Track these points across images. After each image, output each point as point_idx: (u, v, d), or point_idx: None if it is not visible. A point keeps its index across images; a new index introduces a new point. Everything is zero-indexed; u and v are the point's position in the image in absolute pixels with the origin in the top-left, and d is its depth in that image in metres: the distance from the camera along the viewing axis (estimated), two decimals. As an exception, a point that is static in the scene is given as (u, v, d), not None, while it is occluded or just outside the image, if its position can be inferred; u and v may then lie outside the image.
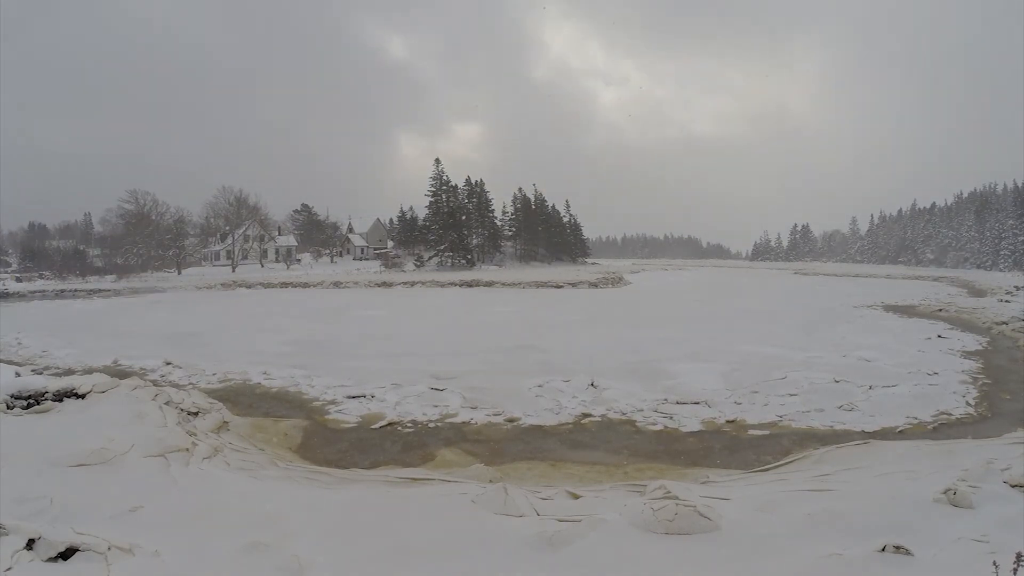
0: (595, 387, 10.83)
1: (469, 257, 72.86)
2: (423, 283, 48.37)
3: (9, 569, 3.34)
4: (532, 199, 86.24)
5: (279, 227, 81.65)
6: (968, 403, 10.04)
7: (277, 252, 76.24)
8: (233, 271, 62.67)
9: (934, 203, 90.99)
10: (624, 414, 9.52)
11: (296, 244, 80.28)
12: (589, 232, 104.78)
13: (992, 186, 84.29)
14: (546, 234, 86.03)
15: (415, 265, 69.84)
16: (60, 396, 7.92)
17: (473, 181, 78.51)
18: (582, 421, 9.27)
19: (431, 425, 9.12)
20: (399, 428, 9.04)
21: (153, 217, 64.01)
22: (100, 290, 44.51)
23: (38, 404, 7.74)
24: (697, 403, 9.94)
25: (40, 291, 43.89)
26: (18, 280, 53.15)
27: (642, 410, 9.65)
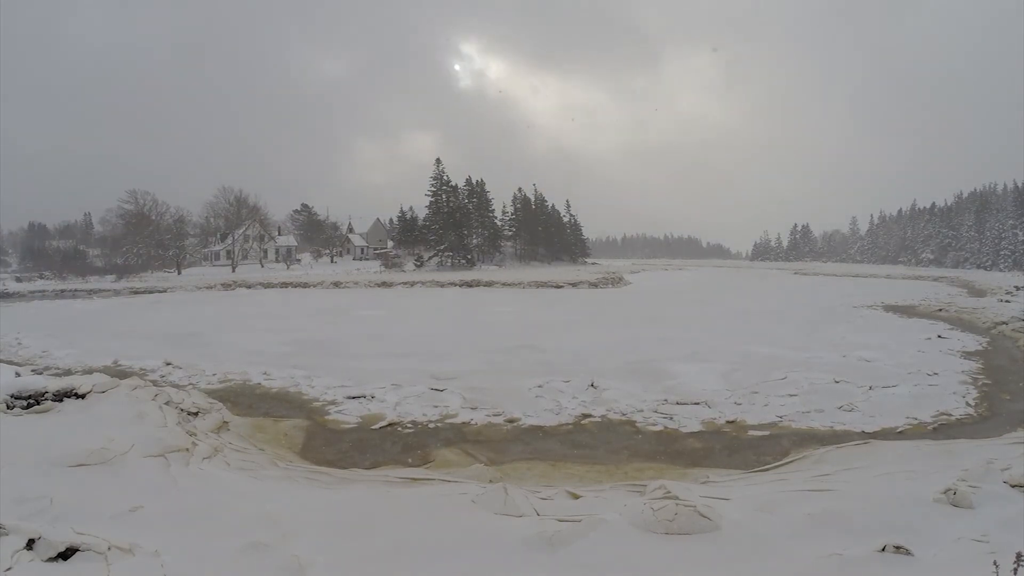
0: (595, 387, 10.83)
1: (469, 257, 72.87)
2: (423, 283, 48.37)
3: (9, 569, 3.34)
4: (532, 199, 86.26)
5: (279, 227, 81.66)
6: (968, 403, 10.04)
7: (277, 252, 76.24)
8: (233, 271, 62.63)
9: (934, 203, 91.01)
10: (624, 414, 9.52)
11: (296, 244, 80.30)
12: (589, 232, 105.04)
13: (992, 186, 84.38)
14: (546, 234, 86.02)
15: (415, 265, 69.85)
16: (60, 396, 7.92)
17: (474, 181, 78.54)
18: (582, 421, 9.27)
19: (431, 425, 9.12)
20: (399, 428, 9.03)
21: (153, 217, 63.98)
22: (100, 290, 44.50)
23: (38, 404, 7.74)
24: (697, 403, 9.94)
25: (40, 291, 43.88)
26: (18, 280, 53.11)
27: (642, 410, 9.65)
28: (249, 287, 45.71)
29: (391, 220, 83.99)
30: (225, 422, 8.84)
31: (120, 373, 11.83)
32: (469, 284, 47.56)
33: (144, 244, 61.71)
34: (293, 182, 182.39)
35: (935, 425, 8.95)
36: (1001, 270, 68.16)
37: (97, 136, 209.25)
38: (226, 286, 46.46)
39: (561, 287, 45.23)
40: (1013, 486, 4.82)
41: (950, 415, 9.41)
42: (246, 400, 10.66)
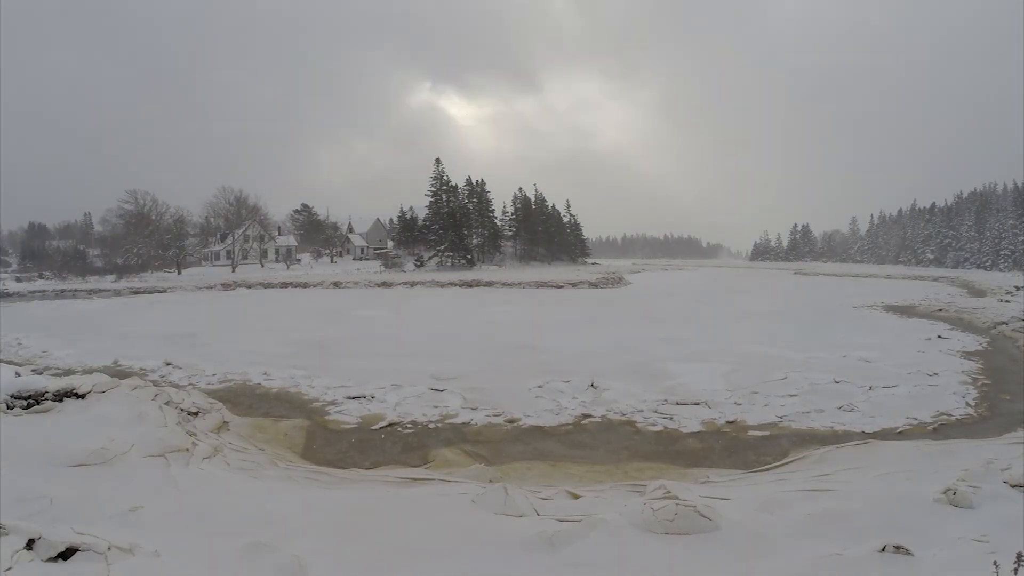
0: (595, 388, 10.83)
1: (469, 257, 72.82)
2: (423, 283, 48.36)
3: (9, 569, 3.34)
4: (532, 199, 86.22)
5: (279, 227, 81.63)
6: (968, 403, 10.05)
7: (277, 252, 76.22)
8: (233, 271, 62.63)
9: (934, 203, 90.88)
10: (624, 415, 9.52)
11: (296, 244, 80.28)
12: (589, 232, 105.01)
13: (992, 186, 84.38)
14: (546, 234, 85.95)
15: (415, 265, 69.82)
16: (60, 396, 7.92)
17: (474, 181, 78.49)
18: (582, 422, 9.27)
19: (431, 426, 9.12)
20: (399, 429, 9.03)
21: (153, 217, 63.95)
22: (100, 290, 44.49)
23: (38, 404, 7.74)
24: (697, 404, 9.94)
25: (40, 291, 43.88)
26: (18, 280, 53.13)
27: (642, 411, 9.65)
28: (249, 287, 45.70)
29: (391, 220, 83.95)
30: (225, 422, 8.84)
31: (120, 373, 11.84)
32: (469, 284, 47.54)
33: (144, 244, 61.65)
34: (288, 183, 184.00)
35: (935, 425, 8.94)
36: (1001, 270, 68.16)
37: (97, 137, 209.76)
38: (226, 286, 46.46)
39: (561, 287, 45.23)
40: (1013, 486, 4.83)
41: (950, 415, 9.41)
42: (246, 400, 10.65)
